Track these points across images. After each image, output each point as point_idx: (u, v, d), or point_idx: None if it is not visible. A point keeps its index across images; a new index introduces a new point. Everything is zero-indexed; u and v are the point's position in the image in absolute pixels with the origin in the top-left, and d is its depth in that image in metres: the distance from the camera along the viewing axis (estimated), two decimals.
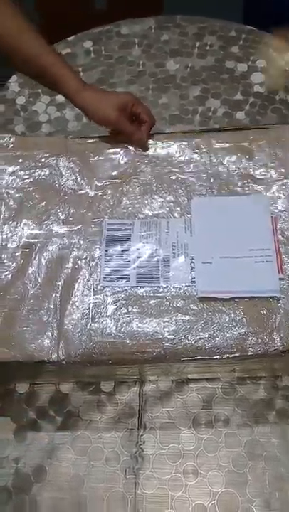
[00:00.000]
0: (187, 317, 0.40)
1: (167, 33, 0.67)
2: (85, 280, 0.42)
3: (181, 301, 0.40)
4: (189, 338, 0.39)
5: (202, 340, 0.39)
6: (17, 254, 0.43)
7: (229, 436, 0.44)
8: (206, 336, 0.39)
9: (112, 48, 0.67)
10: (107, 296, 0.41)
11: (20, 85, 0.65)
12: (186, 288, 0.41)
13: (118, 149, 0.47)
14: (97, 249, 0.43)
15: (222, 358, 0.38)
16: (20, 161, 0.47)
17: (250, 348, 0.38)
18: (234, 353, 0.38)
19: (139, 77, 0.64)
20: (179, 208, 0.44)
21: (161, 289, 0.41)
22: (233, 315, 0.39)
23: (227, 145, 0.46)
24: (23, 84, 0.65)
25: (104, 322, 0.40)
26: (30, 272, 0.42)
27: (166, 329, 0.39)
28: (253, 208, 0.43)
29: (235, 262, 0.41)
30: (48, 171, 0.46)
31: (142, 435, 0.45)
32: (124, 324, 0.40)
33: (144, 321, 0.40)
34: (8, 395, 0.48)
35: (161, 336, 0.39)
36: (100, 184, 0.45)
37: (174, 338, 0.39)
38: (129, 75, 0.65)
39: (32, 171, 0.46)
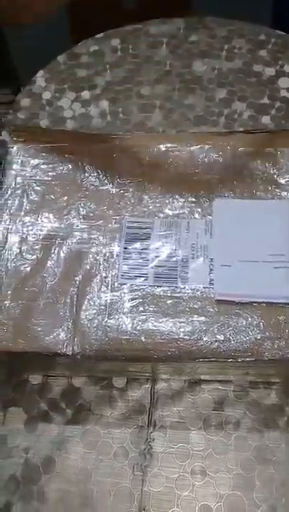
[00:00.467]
0: (203, 319, 0.40)
1: (196, 34, 0.67)
2: (103, 276, 0.42)
3: (198, 303, 0.40)
4: (205, 339, 0.39)
5: (217, 343, 0.39)
6: (36, 247, 0.44)
7: (239, 439, 0.44)
8: (222, 338, 0.39)
9: (139, 47, 0.67)
10: (124, 293, 0.41)
11: (46, 80, 0.66)
12: (203, 290, 0.41)
13: (142, 148, 0.47)
14: (116, 246, 0.43)
15: (237, 361, 0.39)
16: (43, 154, 0.47)
17: (266, 353, 0.38)
18: (249, 357, 0.38)
19: (166, 76, 0.64)
20: (200, 209, 0.44)
21: (179, 290, 0.41)
22: (250, 319, 0.39)
23: (251, 149, 0.46)
24: (50, 79, 0.66)
25: (120, 319, 0.40)
26: (48, 265, 0.43)
27: (181, 329, 0.39)
28: (275, 213, 0.43)
29: (254, 266, 0.41)
30: (70, 166, 0.46)
31: (151, 433, 0.45)
32: (140, 322, 0.40)
33: (160, 321, 0.40)
34: (21, 385, 0.48)
35: (176, 336, 0.39)
36: (121, 181, 0.46)
37: (189, 339, 0.39)
38: (155, 74, 0.65)
39: (55, 165, 0.47)
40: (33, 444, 0.46)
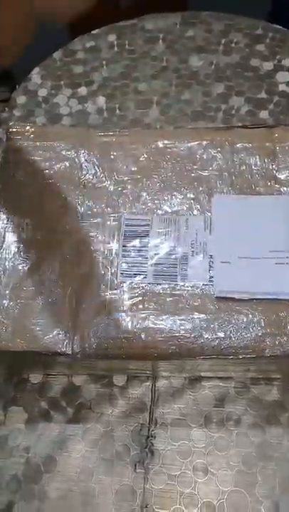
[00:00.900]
0: (204, 316, 0.39)
1: (192, 29, 0.67)
2: (102, 275, 0.42)
3: (199, 300, 0.40)
4: (205, 336, 0.39)
5: (218, 340, 0.39)
6: (34, 246, 0.43)
7: (240, 435, 0.44)
8: (223, 335, 0.39)
9: (136, 43, 0.67)
10: (123, 291, 0.41)
11: (42, 77, 0.65)
12: (203, 287, 0.40)
13: (139, 144, 0.46)
14: (115, 244, 0.43)
15: (238, 358, 0.38)
16: (40, 152, 0.47)
17: (267, 350, 0.38)
18: (250, 353, 0.38)
19: (163, 72, 0.64)
20: (198, 206, 0.44)
21: (179, 287, 0.41)
22: (250, 316, 0.39)
23: (250, 144, 0.45)
24: (46, 76, 0.65)
25: (120, 317, 0.40)
26: (47, 264, 0.43)
27: (182, 327, 0.39)
28: (275, 208, 0.42)
29: (254, 262, 0.40)
30: (67, 164, 0.46)
31: (152, 430, 0.45)
32: (140, 320, 0.40)
33: (160, 318, 0.40)
34: (22, 384, 0.48)
35: (177, 334, 0.39)
36: (119, 179, 0.45)
37: (189, 337, 0.39)
38: (152, 70, 0.64)
39: (52, 162, 0.46)
40: (34, 443, 0.46)
